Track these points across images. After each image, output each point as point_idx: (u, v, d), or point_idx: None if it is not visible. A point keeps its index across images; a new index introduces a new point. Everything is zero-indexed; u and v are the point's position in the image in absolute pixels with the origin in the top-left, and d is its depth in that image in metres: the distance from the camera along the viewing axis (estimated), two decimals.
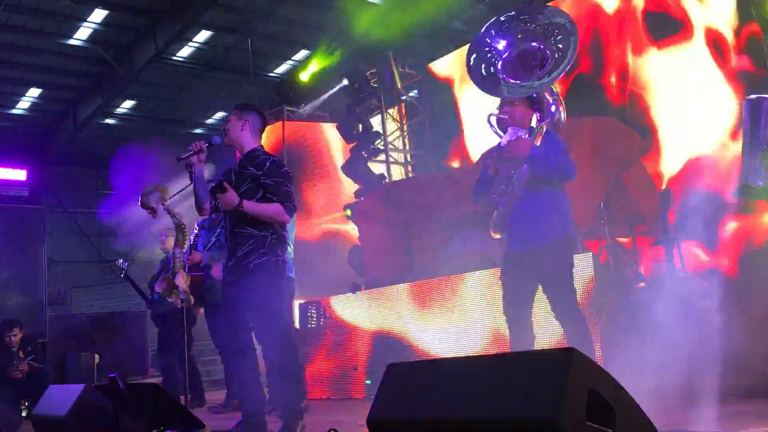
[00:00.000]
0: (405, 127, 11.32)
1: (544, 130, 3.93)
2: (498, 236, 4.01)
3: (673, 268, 4.71)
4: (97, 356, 7.69)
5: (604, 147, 5.67)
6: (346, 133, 10.23)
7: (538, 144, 3.85)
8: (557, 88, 4.22)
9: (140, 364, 8.19)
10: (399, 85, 10.04)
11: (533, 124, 4.05)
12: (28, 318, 7.61)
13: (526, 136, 3.88)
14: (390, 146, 10.54)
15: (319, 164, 10.88)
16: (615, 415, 1.89)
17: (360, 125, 10.03)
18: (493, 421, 1.89)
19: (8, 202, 8.27)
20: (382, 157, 10.30)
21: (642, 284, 5.66)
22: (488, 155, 4.14)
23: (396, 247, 7.31)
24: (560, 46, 3.97)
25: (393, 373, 2.28)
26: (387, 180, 9.69)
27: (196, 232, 5.90)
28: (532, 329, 3.92)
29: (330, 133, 10.95)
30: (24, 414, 6.39)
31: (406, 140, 11.33)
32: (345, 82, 10.58)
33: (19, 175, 8.67)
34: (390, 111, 11.07)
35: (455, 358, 2.33)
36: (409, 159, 11.31)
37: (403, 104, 11.32)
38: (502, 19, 4.08)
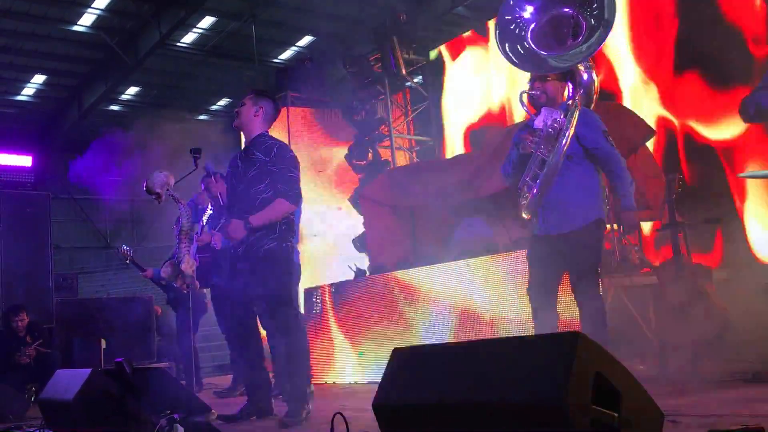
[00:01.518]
0: (410, 113, 11.29)
1: (579, 108, 3.82)
2: (527, 217, 3.93)
3: (679, 254, 4.69)
4: (103, 341, 7.73)
5: (610, 132, 5.64)
6: (350, 120, 10.21)
7: (574, 122, 3.75)
8: None
9: (146, 349, 8.23)
10: (403, 71, 9.99)
11: (570, 93, 3.94)
12: (35, 303, 7.63)
13: (562, 116, 3.78)
14: (394, 132, 10.51)
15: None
16: (621, 398, 1.90)
17: (364, 112, 10.00)
18: (499, 405, 1.89)
19: (14, 188, 8.29)
20: (386, 142, 10.28)
21: (647, 270, 5.65)
22: (518, 135, 4.01)
23: (400, 233, 7.30)
24: (596, 13, 3.80)
25: (398, 357, 2.28)
26: (391, 166, 9.67)
27: (210, 212, 5.90)
28: (556, 310, 3.92)
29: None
30: (31, 398, 6.43)
31: (411, 126, 11.30)
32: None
33: (25, 161, 8.68)
34: (395, 97, 11.03)
35: (461, 342, 2.33)
36: (413, 145, 11.28)
37: (407, 90, 11.28)
38: None
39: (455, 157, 8.36)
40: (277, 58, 13.22)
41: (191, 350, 6.43)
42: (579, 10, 3.87)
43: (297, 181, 4.09)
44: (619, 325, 4.74)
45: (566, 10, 3.94)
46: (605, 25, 3.80)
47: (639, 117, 6.03)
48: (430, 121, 11.02)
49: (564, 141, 3.77)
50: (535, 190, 3.82)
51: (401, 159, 10.69)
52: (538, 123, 3.84)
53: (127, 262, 7.35)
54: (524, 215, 3.93)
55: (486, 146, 6.68)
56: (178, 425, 3.11)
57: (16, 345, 6.89)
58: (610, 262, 5.32)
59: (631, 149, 5.79)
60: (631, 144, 5.72)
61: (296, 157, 4.19)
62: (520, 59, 4.05)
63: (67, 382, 3.85)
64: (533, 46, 3.98)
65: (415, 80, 11.22)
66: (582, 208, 3.81)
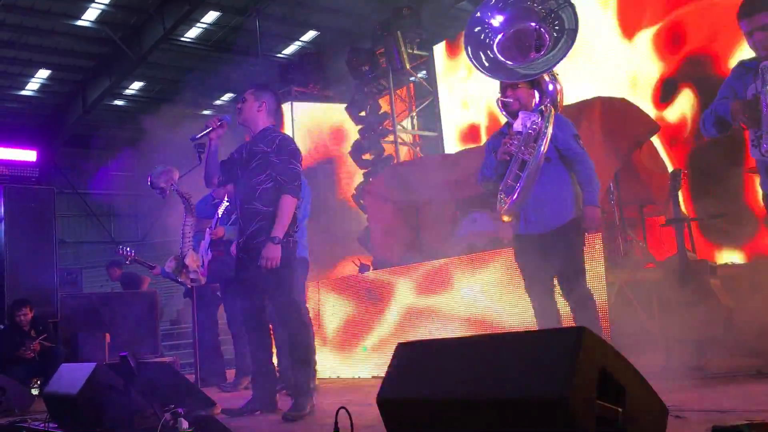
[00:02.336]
0: (414, 108, 11.28)
1: (553, 114, 3.95)
2: (508, 220, 4.01)
3: (683, 249, 4.68)
4: (107, 335, 7.74)
5: (615, 127, 5.64)
6: (354, 115, 10.21)
7: (551, 124, 3.87)
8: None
9: (151, 343, 8.24)
10: (407, 66, 9.98)
11: (537, 101, 4.05)
12: (40, 298, 7.65)
13: (539, 119, 3.90)
14: (398, 127, 10.51)
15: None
16: (626, 393, 1.89)
17: (368, 107, 10.01)
18: (503, 400, 1.89)
19: (18, 183, 8.29)
20: (390, 138, 10.28)
21: (651, 265, 5.64)
22: (495, 139, 4.17)
23: (404, 227, 7.30)
24: (557, 26, 4.00)
25: (402, 352, 2.28)
26: (395, 161, 9.67)
27: (226, 204, 5.87)
28: (556, 304, 4.00)
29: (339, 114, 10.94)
30: (35, 392, 6.45)
31: (415, 121, 11.30)
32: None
33: (29, 156, 8.68)
34: (399, 91, 11.03)
35: (465, 337, 2.33)
36: (417, 140, 11.28)
37: (411, 85, 11.27)
38: None
39: (459, 152, 8.35)
40: (281, 53, 13.22)
41: (212, 343, 6.50)
42: (542, 23, 4.04)
43: (298, 173, 4.11)
44: (623, 320, 4.74)
45: (531, 24, 4.09)
46: (569, 34, 3.96)
47: (644, 112, 6.02)
48: (434, 116, 11.02)
49: (543, 142, 3.88)
50: (517, 192, 3.90)
51: (405, 154, 10.70)
52: (518, 126, 3.96)
53: (128, 262, 7.35)
54: (505, 218, 4.01)
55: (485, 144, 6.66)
56: (182, 419, 3.12)
57: (20, 339, 6.91)
58: (614, 258, 5.32)
59: (636, 144, 5.79)
60: (635, 139, 5.72)
61: (298, 149, 4.20)
62: (490, 69, 4.19)
63: (72, 376, 3.87)
64: (498, 55, 4.09)
65: (419, 75, 11.21)
66: (560, 208, 3.92)
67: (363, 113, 10.30)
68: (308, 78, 11.14)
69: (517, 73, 4.06)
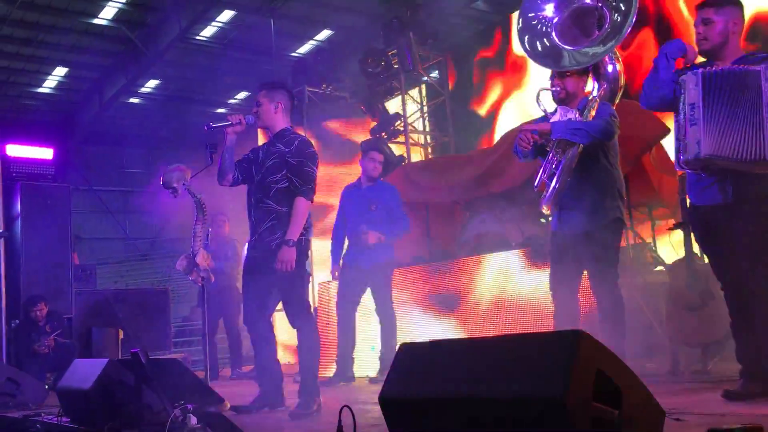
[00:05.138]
0: (425, 109, 11.30)
1: (598, 103, 3.86)
2: (548, 211, 3.97)
3: (692, 253, 4.69)
4: (120, 332, 7.83)
5: (625, 129, 5.62)
6: (365, 115, 10.24)
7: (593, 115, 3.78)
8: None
9: (163, 340, 8.32)
10: (419, 67, 10.00)
11: (590, 89, 3.97)
12: (54, 294, 7.76)
13: (577, 115, 3.83)
14: (410, 128, 10.53)
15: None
16: (622, 395, 1.93)
17: (379, 107, 10.04)
18: (502, 400, 1.93)
19: (35, 181, 8.40)
20: (401, 138, 10.31)
21: (661, 268, 5.65)
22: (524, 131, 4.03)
23: (414, 228, 7.33)
24: (615, 3, 3.80)
25: (406, 352, 2.33)
26: (406, 162, 9.70)
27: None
28: (578, 307, 3.97)
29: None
30: (48, 387, 6.55)
31: (426, 122, 11.32)
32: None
33: (46, 153, 8.77)
34: (411, 92, 11.05)
35: (467, 338, 2.37)
36: (428, 140, 11.30)
37: (423, 85, 11.30)
38: None
39: (469, 154, 8.38)
40: (295, 52, 13.27)
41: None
42: (602, 1, 3.88)
43: (313, 177, 4.12)
44: (630, 322, 4.75)
45: (588, 1, 3.94)
46: (625, 14, 3.81)
47: (654, 115, 6.01)
48: (446, 117, 11.03)
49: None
50: (553, 188, 3.84)
51: (416, 155, 10.72)
52: (555, 119, 3.89)
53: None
54: (544, 209, 3.95)
55: (500, 144, 6.70)
56: (191, 415, 3.17)
57: (35, 335, 7.02)
58: (623, 260, 5.33)
59: (645, 147, 5.79)
60: (644, 142, 5.71)
61: (316, 153, 4.21)
62: (539, 55, 4.08)
63: (85, 371, 3.93)
64: (558, 41, 3.98)
65: (432, 75, 11.22)
66: (602, 207, 3.86)
67: (374, 113, 10.34)
68: (321, 78, 11.19)
69: (565, 60, 3.92)
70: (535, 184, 3.96)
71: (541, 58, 4.07)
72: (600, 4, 3.88)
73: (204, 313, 4.55)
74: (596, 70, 4.00)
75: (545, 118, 3.99)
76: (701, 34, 3.38)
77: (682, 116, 3.27)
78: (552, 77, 4.01)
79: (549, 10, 4.03)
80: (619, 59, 4.08)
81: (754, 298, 3.28)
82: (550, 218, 4.22)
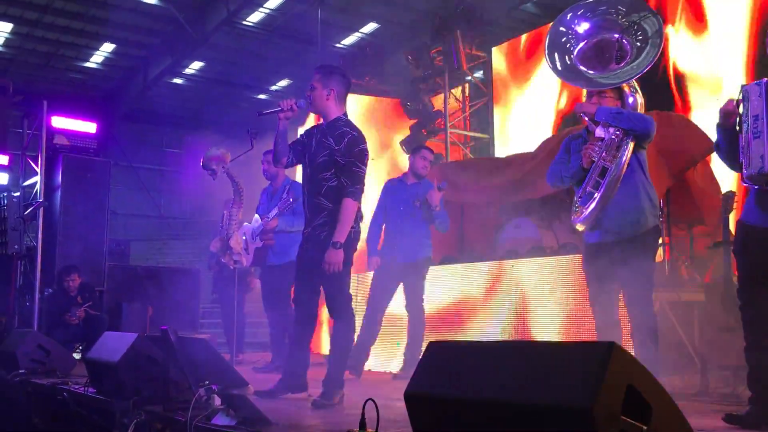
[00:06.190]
0: (467, 109, 11.25)
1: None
2: (581, 229, 3.96)
3: (729, 273, 4.60)
4: (150, 308, 7.93)
5: (669, 143, 5.55)
6: (408, 110, 10.23)
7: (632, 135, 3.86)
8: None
9: (191, 320, 8.41)
10: (464, 66, 9.96)
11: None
12: (88, 266, 7.90)
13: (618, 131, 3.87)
14: (451, 126, 10.49)
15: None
16: (652, 412, 1.89)
17: (421, 104, 10.02)
18: (528, 406, 1.91)
19: (77, 153, 8.54)
20: (441, 136, 10.28)
21: (695, 286, 5.55)
22: (574, 141, 4.12)
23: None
24: (640, 36, 3.95)
25: (434, 350, 2.31)
26: (445, 160, 9.67)
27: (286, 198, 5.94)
28: (618, 317, 3.94)
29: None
30: (77, 357, 6.66)
31: (467, 122, 11.27)
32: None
33: (90, 127, 8.89)
34: (453, 91, 11.01)
35: (497, 341, 2.35)
36: (468, 140, 11.25)
37: (467, 85, 11.24)
38: (588, 2, 4.12)
39: (508, 157, 8.31)
40: (339, 43, 13.29)
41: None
42: (624, 34, 4.02)
43: (362, 177, 4.07)
44: (662, 339, 4.68)
45: (614, 35, 4.08)
46: (653, 43, 3.93)
47: (701, 131, 5.90)
48: (488, 117, 10.98)
49: (626, 150, 3.81)
50: (596, 201, 3.82)
51: (455, 154, 10.68)
52: (600, 133, 3.86)
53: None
54: (579, 227, 3.94)
55: (540, 149, 6.63)
56: (215, 395, 3.20)
57: (66, 304, 7.14)
58: (659, 275, 5.25)
59: (691, 163, 5.69)
60: (689, 157, 5.62)
61: (366, 150, 4.12)
62: (565, 74, 4.19)
63: (114, 344, 4.00)
64: (576, 62, 4.10)
65: (476, 75, 11.17)
66: (641, 214, 3.84)
67: (416, 109, 10.31)
68: (365, 70, 11.20)
69: (597, 82, 4.03)
70: (578, 193, 3.93)
71: (566, 77, 4.23)
72: (621, 37, 4.04)
73: (231, 297, 4.58)
74: (621, 97, 4.04)
75: (588, 131, 4.00)
76: None
77: (745, 128, 3.18)
78: (589, 95, 4.06)
79: (582, 28, 4.17)
80: (639, 93, 4.09)
81: None
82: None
